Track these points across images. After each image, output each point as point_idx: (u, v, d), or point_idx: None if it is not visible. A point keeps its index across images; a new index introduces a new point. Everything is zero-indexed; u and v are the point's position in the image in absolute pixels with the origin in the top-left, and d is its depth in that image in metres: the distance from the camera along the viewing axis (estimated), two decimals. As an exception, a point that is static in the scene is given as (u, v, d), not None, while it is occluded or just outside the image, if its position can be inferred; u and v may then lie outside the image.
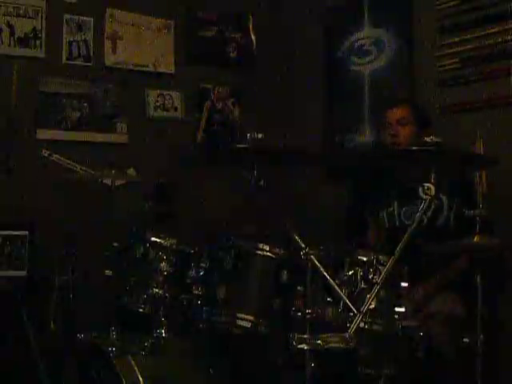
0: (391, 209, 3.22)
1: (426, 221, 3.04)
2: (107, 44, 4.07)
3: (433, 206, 3.04)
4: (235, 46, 4.49)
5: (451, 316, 2.87)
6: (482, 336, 2.46)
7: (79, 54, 3.98)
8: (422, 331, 2.38)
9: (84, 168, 3.91)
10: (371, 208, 3.35)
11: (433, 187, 2.20)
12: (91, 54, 4.02)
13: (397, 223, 3.20)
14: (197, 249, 2.73)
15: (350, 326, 2.10)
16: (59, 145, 3.89)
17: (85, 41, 3.99)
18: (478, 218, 2.49)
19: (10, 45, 3.79)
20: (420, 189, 2.22)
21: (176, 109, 4.27)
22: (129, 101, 4.12)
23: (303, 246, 2.19)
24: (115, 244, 2.91)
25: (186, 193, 4.13)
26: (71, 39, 3.96)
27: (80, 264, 3.23)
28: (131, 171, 3.95)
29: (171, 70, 4.26)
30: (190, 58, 4.34)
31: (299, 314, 2.30)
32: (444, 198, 3.07)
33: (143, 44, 4.17)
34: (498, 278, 3.12)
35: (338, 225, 3.88)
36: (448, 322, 2.83)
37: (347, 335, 2.05)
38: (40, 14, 3.86)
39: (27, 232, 3.55)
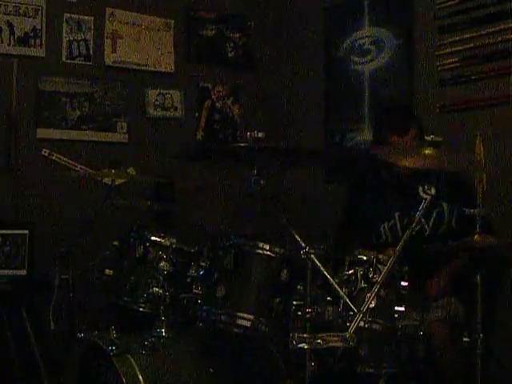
0: (392, 222, 3.09)
1: (428, 231, 3.01)
2: (107, 43, 4.06)
3: (434, 215, 3.01)
4: (235, 46, 4.48)
5: (452, 317, 2.87)
6: (481, 336, 2.46)
7: (79, 53, 3.98)
8: (422, 331, 2.38)
9: (84, 167, 3.92)
10: (370, 221, 3.14)
11: (433, 187, 2.20)
12: (91, 53, 4.01)
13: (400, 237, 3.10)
14: (197, 248, 2.73)
15: (349, 326, 2.09)
16: (59, 144, 3.89)
17: (85, 40, 3.99)
18: (477, 218, 2.48)
19: (9, 44, 3.78)
20: (420, 188, 2.22)
21: (176, 108, 4.27)
22: (129, 100, 4.11)
23: (303, 245, 2.19)
24: (115, 243, 2.91)
25: (185, 193, 4.13)
26: (71, 38, 3.96)
27: (80, 263, 3.22)
28: (131, 170, 3.95)
29: (171, 69, 4.26)
30: (190, 58, 4.34)
31: (299, 313, 2.30)
32: (445, 206, 3.03)
33: (143, 43, 4.16)
34: (498, 278, 3.12)
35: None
36: (448, 322, 2.83)
37: (347, 335, 2.05)
38: (40, 13, 3.86)
39: (27, 231, 3.54)
